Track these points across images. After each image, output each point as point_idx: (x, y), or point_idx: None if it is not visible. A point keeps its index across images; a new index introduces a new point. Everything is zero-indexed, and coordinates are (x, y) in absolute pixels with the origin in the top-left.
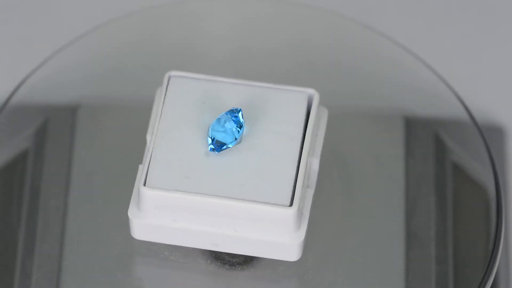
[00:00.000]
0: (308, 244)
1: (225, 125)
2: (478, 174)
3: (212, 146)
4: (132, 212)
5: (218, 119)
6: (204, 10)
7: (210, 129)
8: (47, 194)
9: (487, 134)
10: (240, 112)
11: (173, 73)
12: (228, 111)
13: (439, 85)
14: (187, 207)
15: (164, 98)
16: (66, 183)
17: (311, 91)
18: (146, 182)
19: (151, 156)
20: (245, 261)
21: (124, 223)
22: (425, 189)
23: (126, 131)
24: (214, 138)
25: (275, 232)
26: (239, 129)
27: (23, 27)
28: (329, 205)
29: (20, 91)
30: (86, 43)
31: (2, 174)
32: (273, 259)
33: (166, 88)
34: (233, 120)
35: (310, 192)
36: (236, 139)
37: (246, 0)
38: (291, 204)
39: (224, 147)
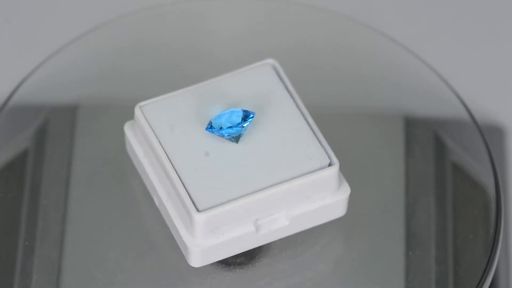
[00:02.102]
0: (307, 243)
1: (232, 116)
2: (478, 174)
3: (209, 125)
4: (193, 243)
5: (231, 111)
6: (205, 10)
7: (217, 115)
8: (47, 194)
9: (487, 134)
10: (252, 117)
11: (142, 103)
12: (244, 110)
13: (439, 85)
14: (239, 212)
15: (153, 128)
16: (66, 183)
17: (269, 61)
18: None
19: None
20: (243, 261)
21: (124, 223)
22: (425, 189)
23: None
24: (213, 121)
25: (322, 197)
26: (240, 125)
27: (23, 27)
28: None
29: (20, 91)
30: (86, 43)
31: (2, 174)
32: (271, 259)
33: (146, 119)
34: (241, 118)
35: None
36: (231, 126)
37: (246, 1)
38: (330, 164)
39: (220, 130)
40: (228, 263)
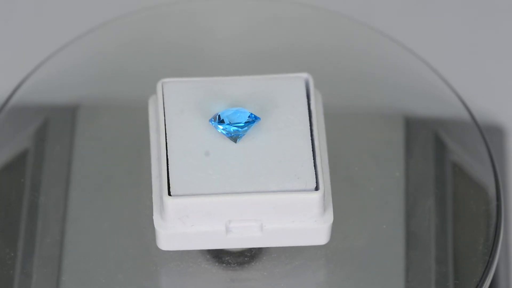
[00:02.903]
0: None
1: (235, 115)
2: (478, 174)
3: (213, 118)
4: (159, 225)
5: (236, 110)
6: (206, 11)
7: (223, 110)
8: (47, 194)
9: (487, 134)
10: (255, 122)
11: (165, 80)
12: (250, 113)
13: (439, 85)
14: (214, 208)
15: (164, 104)
16: (66, 183)
17: (304, 75)
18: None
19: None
20: (243, 262)
21: (124, 223)
22: (425, 189)
23: (126, 131)
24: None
25: (302, 219)
26: (241, 126)
27: (23, 27)
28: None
29: (20, 91)
30: (86, 43)
31: (2, 174)
32: (269, 260)
33: (163, 95)
34: (245, 120)
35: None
36: (232, 125)
37: (246, 1)
38: (317, 188)
39: (221, 125)
40: (227, 262)
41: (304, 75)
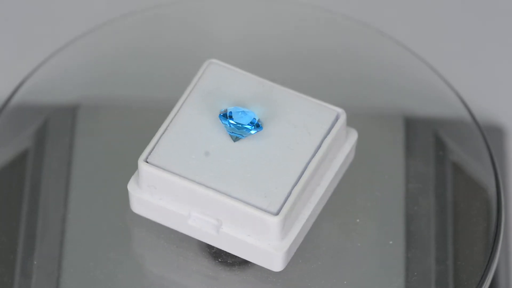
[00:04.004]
0: (307, 244)
1: (240, 115)
2: (478, 174)
3: (223, 110)
4: (131, 186)
5: (242, 111)
6: (205, 11)
7: (232, 107)
8: (47, 194)
9: (487, 134)
10: (257, 130)
11: (213, 60)
12: (256, 119)
13: (439, 85)
14: (179, 190)
15: (197, 83)
16: (66, 183)
17: (339, 110)
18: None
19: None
20: (243, 261)
21: (124, 223)
22: (425, 189)
23: (126, 131)
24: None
25: (257, 237)
26: (242, 128)
27: (23, 27)
28: (329, 205)
29: (20, 91)
30: (86, 43)
31: (2, 174)
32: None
33: (202, 73)
34: (248, 123)
35: (310, 207)
36: (233, 122)
37: (246, 1)
38: (277, 213)
39: (223, 120)
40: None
41: (338, 109)
